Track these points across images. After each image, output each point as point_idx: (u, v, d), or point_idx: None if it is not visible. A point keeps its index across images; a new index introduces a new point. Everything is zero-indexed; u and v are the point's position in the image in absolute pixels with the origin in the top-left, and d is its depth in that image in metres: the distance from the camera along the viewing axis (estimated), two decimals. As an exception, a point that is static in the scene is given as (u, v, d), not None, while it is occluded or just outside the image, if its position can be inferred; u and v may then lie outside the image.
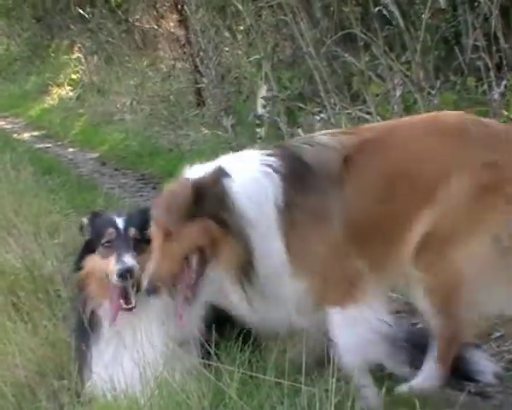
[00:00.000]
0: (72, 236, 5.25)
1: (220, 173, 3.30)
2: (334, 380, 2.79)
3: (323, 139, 3.50)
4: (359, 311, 3.32)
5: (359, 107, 6.53)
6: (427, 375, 3.52)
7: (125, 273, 3.36)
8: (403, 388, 3.50)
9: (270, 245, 3.30)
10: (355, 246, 3.34)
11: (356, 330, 3.33)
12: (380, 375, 3.53)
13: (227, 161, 3.41)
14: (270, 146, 3.59)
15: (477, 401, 3.50)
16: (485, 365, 3.69)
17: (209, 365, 3.21)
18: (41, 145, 11.61)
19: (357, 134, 3.53)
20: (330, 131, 3.62)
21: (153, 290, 3.26)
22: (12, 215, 5.80)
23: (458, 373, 3.62)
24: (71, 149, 11.19)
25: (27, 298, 4.40)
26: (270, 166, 3.38)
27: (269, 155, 3.43)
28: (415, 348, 3.67)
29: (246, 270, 3.26)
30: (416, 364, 3.61)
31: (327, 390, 2.80)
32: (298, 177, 3.36)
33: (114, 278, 3.39)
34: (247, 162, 3.45)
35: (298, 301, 3.34)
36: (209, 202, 3.25)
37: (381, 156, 3.42)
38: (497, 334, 4.14)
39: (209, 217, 3.24)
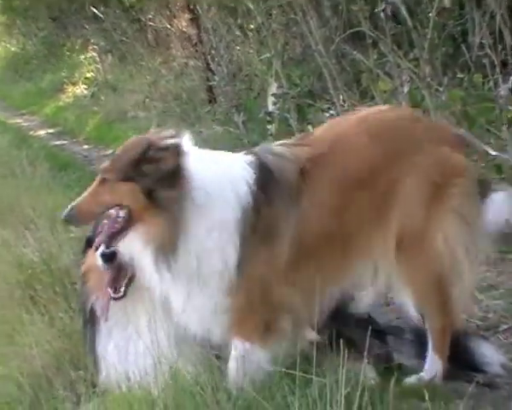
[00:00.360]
0: (86, 230, 5.33)
1: (180, 151, 3.21)
2: (344, 371, 2.80)
3: (280, 150, 3.44)
4: (256, 352, 3.25)
5: (368, 103, 6.56)
6: (430, 368, 3.55)
7: (109, 255, 3.35)
8: (412, 379, 3.52)
9: (222, 244, 3.20)
10: (310, 259, 3.30)
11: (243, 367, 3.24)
12: (389, 366, 3.55)
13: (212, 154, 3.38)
14: (246, 151, 3.51)
15: (485, 392, 3.49)
16: (492, 356, 3.68)
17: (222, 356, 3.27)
18: (56, 142, 11.72)
19: (309, 145, 3.45)
20: (285, 141, 3.54)
21: (69, 220, 3.30)
22: (29, 210, 5.88)
23: (465, 364, 3.64)
24: (85, 146, 11.27)
25: (44, 291, 4.47)
26: (250, 165, 3.33)
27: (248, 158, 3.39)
28: (423, 339, 3.66)
29: (166, 252, 3.16)
30: (425, 356, 3.60)
31: (337, 381, 2.81)
32: (265, 184, 3.29)
33: (99, 262, 3.40)
34: (228, 158, 3.43)
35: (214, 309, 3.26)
36: (152, 174, 3.16)
37: (333, 167, 3.37)
38: (505, 326, 4.17)
39: (140, 185, 3.15)
